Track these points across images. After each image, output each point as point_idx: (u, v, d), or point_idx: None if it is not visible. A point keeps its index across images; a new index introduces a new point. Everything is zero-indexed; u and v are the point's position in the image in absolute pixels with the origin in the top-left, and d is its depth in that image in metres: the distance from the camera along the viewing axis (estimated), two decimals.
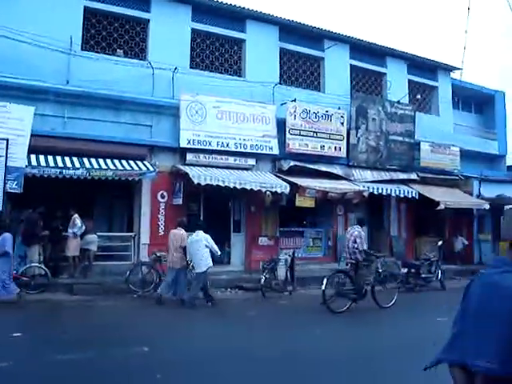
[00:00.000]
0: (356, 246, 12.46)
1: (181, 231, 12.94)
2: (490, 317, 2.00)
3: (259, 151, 17.52)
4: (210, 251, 12.41)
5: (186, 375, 6.52)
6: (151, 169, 15.21)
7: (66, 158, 14.22)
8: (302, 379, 6.50)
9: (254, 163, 17.58)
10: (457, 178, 23.29)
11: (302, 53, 19.97)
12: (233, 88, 17.50)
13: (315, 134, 18.77)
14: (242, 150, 17.19)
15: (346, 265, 12.96)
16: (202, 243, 12.31)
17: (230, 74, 18.28)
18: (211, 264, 12.39)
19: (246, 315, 11.88)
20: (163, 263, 13.89)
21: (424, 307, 13.90)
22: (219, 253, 12.81)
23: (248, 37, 18.61)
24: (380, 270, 13.18)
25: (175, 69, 16.44)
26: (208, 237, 12.47)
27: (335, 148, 19.28)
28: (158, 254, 13.99)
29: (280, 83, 18.86)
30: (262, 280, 14.21)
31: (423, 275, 16.69)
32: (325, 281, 11.88)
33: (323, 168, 18.83)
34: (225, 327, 10.17)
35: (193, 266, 12.70)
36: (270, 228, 18.10)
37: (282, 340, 8.90)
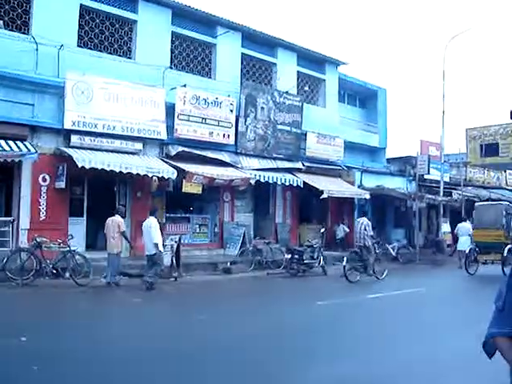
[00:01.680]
0: (366, 232, 16.22)
1: (117, 218, 13.73)
2: None
3: (147, 135, 17.24)
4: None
5: (64, 366, 6.32)
6: (32, 150, 14.52)
7: None
8: (185, 363, 6.53)
9: (142, 147, 17.27)
10: (340, 168, 24.27)
11: (195, 38, 19.81)
12: (122, 70, 17.08)
13: (204, 121, 18.76)
14: (130, 133, 16.83)
15: (357, 247, 16.54)
16: (150, 228, 13.42)
17: (119, 55, 17.77)
18: (161, 248, 13.48)
19: (130, 302, 11.74)
20: (44, 249, 13.40)
21: (306, 292, 14.42)
22: (156, 241, 13.31)
23: (140, 18, 18.13)
24: (377, 251, 16.86)
25: (61, 46, 15.70)
26: (155, 223, 13.50)
27: (224, 135, 19.39)
28: (38, 240, 13.40)
29: (171, 67, 18.65)
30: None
31: (306, 261, 17.28)
32: (345, 259, 15.52)
33: (211, 154, 18.89)
34: (108, 315, 10.01)
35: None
36: (157, 213, 17.91)
37: (166, 327, 8.89)
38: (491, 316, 2.42)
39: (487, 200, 28.16)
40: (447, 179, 28.32)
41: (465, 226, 21.13)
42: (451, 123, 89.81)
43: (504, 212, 18.03)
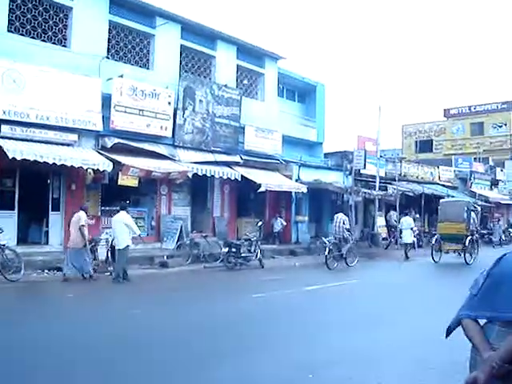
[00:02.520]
0: (344, 226, 18.76)
1: (80, 213, 13.95)
2: None
3: (82, 126, 16.77)
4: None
5: None
6: None
7: None
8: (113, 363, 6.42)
9: (76, 139, 16.79)
10: (278, 162, 24.41)
11: (133, 28, 19.39)
12: (56, 58, 16.52)
13: (141, 112, 18.44)
14: (64, 124, 16.30)
15: (336, 239, 18.52)
16: (121, 223, 13.83)
17: (53, 43, 17.19)
18: (129, 243, 14.01)
19: (63, 298, 11.48)
20: None
21: (242, 285, 14.51)
22: (138, 233, 14.38)
23: (75, 5, 17.52)
24: (351, 242, 18.95)
25: None
26: (127, 218, 14.08)
27: (161, 127, 19.12)
28: None
29: (108, 57, 18.23)
30: None
31: (243, 254, 17.38)
32: (327, 249, 17.61)
33: (148, 147, 18.60)
34: (37, 311, 9.73)
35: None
36: (92, 207, 17.50)
37: (96, 322, 8.72)
38: (464, 300, 2.67)
39: (421, 195, 29.25)
40: (383, 174, 29.00)
41: (407, 220, 23.12)
42: (388, 119, 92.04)
43: (466, 208, 20.84)
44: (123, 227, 13.82)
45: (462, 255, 19.70)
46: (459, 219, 20.29)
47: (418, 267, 19.69)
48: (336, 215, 19.35)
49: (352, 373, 6.08)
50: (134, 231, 14.07)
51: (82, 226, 13.68)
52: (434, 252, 20.01)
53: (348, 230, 19.05)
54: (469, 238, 19.97)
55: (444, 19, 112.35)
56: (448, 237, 20.18)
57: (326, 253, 17.50)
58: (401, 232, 23.28)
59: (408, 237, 22.62)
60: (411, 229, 22.83)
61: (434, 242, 20.60)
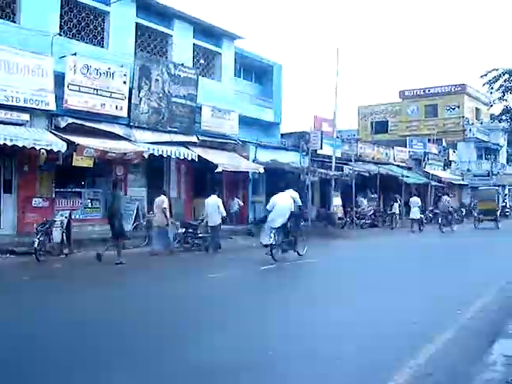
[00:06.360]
0: (449, 204, 28.25)
1: (162, 197, 16.13)
2: None
3: (34, 106, 16.27)
4: None
5: None
6: None
7: None
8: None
9: (28, 119, 16.29)
10: (235, 142, 24.35)
11: (87, 4, 18.84)
12: (5, 34, 15.96)
13: (96, 92, 18.02)
14: (15, 103, 15.76)
15: (444, 212, 27.29)
16: (215, 205, 16.36)
17: (1, 18, 16.60)
18: (219, 221, 16.45)
19: (19, 280, 11.24)
20: None
21: (200, 265, 14.53)
22: (224, 214, 16.75)
23: None
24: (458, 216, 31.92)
25: None
26: (218, 201, 16.57)
27: (116, 107, 18.74)
28: None
29: (60, 34, 17.70)
30: (36, 243, 13.55)
31: (200, 235, 17.32)
32: (440, 219, 26.68)
33: (103, 127, 18.25)
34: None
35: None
36: (45, 188, 17.18)
37: (55, 305, 8.60)
38: None
39: (376, 175, 29.84)
40: (339, 154, 29.30)
41: (415, 200, 27.95)
42: (344, 100, 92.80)
43: (496, 192, 33.68)
44: (215, 208, 16.25)
45: (494, 223, 29.39)
46: (492, 199, 31.34)
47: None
48: (443, 196, 29.29)
49: (312, 348, 6.18)
50: (221, 213, 16.47)
51: (165, 208, 15.67)
52: (476, 221, 30.33)
53: (452, 207, 28.87)
54: (498, 211, 31.05)
55: (401, 1, 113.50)
56: (485, 211, 30.46)
57: (440, 221, 26.52)
58: (410, 209, 27.99)
59: (416, 213, 27.19)
60: (418, 207, 27.59)
61: (476, 215, 31.36)
